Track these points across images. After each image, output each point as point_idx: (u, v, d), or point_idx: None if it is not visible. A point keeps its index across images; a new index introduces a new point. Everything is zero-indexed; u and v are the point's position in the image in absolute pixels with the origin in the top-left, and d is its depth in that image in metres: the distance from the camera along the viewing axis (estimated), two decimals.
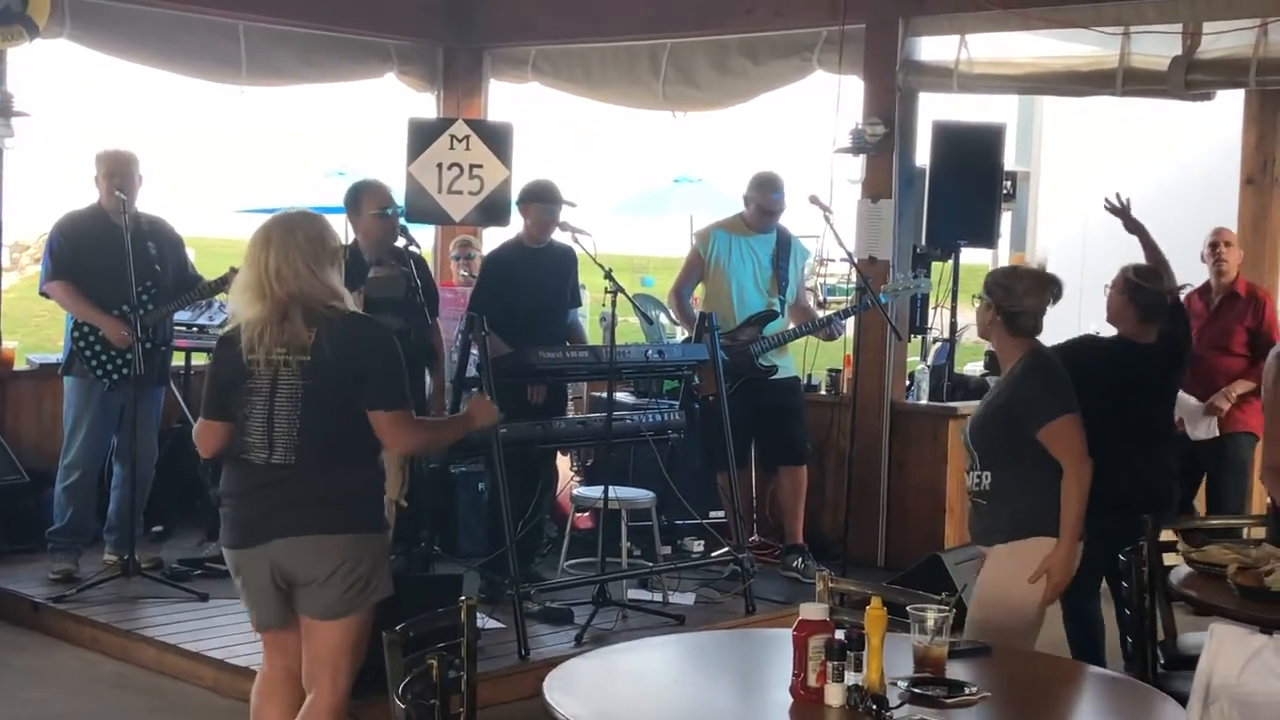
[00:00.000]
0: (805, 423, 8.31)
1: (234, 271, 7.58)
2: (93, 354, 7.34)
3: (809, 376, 8.86)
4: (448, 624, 4.04)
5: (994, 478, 4.97)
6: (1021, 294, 4.98)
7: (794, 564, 8.04)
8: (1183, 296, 7.43)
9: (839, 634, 3.73)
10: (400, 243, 6.84)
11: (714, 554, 7.95)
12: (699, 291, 8.37)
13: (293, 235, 4.42)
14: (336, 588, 4.43)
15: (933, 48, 8.45)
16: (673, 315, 9.21)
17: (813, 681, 3.66)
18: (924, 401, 8.64)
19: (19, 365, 8.48)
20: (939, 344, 9.30)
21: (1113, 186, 7.62)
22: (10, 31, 7.89)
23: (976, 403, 6.03)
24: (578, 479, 8.50)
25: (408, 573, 6.91)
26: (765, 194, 8.06)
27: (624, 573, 7.44)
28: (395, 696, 3.48)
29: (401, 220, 7.05)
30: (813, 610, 3.75)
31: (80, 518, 7.54)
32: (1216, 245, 7.77)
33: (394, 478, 6.75)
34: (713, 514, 8.23)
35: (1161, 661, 5.34)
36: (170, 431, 8.24)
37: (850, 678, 3.65)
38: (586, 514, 8.03)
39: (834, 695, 3.63)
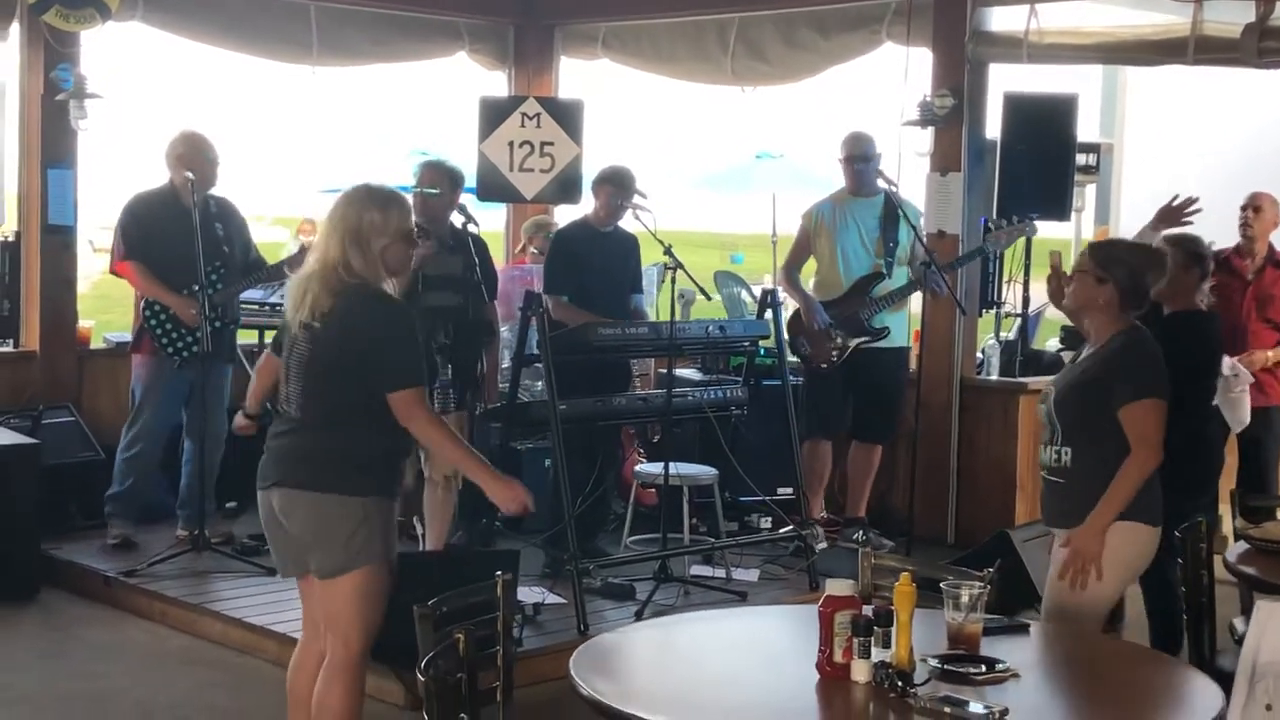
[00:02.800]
0: (900, 401, 8.22)
1: (302, 251, 7.73)
2: (163, 331, 7.46)
3: None
4: (482, 599, 4.06)
5: (1075, 454, 4.80)
6: (1144, 270, 4.88)
7: (854, 536, 8.03)
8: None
9: (867, 609, 3.71)
10: (459, 221, 6.86)
11: (781, 530, 7.92)
12: (810, 267, 8.30)
13: (341, 210, 4.62)
14: (320, 545, 4.58)
15: (1002, 18, 8.33)
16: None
17: (839, 657, 3.64)
18: (994, 377, 8.54)
19: (95, 344, 8.64)
20: (1017, 319, 9.15)
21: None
22: (83, 15, 8.02)
23: (1048, 378, 5.96)
24: (642, 455, 8.50)
25: (468, 548, 6.97)
26: (852, 143, 8.01)
27: (685, 548, 7.44)
28: (419, 670, 3.50)
29: (462, 200, 7.06)
30: (839, 586, 3.73)
31: (139, 486, 7.70)
32: (1246, 208, 7.58)
33: None
34: (780, 490, 8.20)
35: (1237, 638, 5.25)
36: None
37: (879, 654, 3.63)
38: (653, 490, 8.03)
39: (860, 671, 3.61)
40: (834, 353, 7.91)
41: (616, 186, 7.48)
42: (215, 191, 7.62)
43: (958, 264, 7.98)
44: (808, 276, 8.33)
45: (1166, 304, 5.97)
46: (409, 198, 4.81)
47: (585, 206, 7.96)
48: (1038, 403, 5.07)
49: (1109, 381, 4.77)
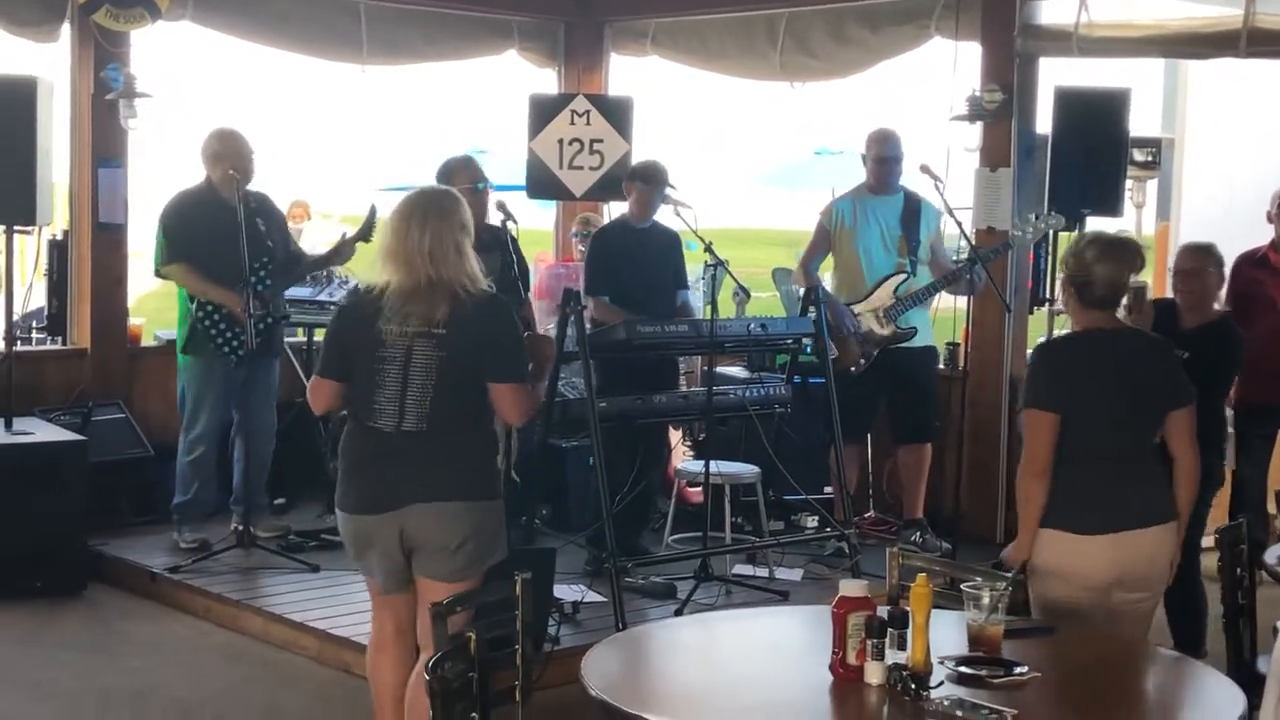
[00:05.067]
0: (935, 397, 8.14)
1: (345, 240, 7.76)
2: (218, 332, 7.47)
3: None
4: (501, 597, 4.03)
5: None
6: (1090, 261, 4.72)
7: (912, 538, 7.92)
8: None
9: (882, 611, 3.67)
10: (498, 219, 6.85)
11: (827, 530, 7.86)
12: (828, 265, 8.26)
13: (448, 219, 4.61)
14: (462, 553, 4.60)
15: (1052, 11, 8.21)
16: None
17: (852, 659, 3.60)
18: None
19: (146, 341, 8.71)
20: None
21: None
22: (133, 14, 8.09)
23: None
24: (689, 453, 8.47)
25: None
26: (879, 146, 7.95)
27: (727, 547, 7.40)
28: (425, 670, 3.48)
29: (503, 197, 7.06)
30: (853, 587, 3.68)
31: (205, 490, 7.72)
32: None
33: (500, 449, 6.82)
34: (827, 489, 8.14)
35: None
36: (294, 405, 8.41)
37: (894, 656, 3.58)
38: (698, 489, 8.00)
39: (874, 673, 3.57)
40: (861, 358, 7.84)
41: (645, 181, 7.46)
42: (252, 187, 7.63)
43: (983, 259, 7.77)
44: (825, 273, 8.27)
45: (1192, 313, 5.87)
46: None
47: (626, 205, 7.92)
48: None
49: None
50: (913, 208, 7.96)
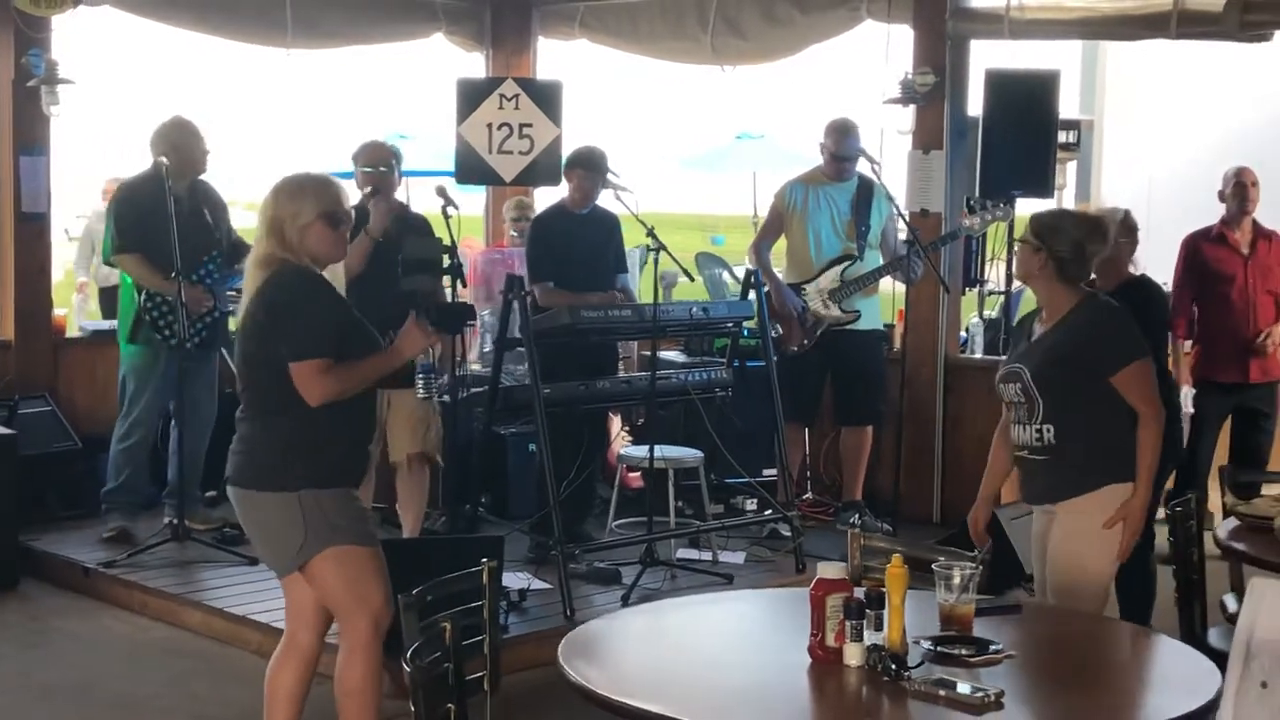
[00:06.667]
0: (881, 381, 8.16)
1: None
2: (165, 322, 7.33)
3: None
4: (468, 587, 4.00)
5: (1059, 429, 4.75)
6: (1075, 237, 4.78)
7: (850, 519, 7.95)
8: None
9: (859, 592, 3.66)
10: (438, 204, 6.79)
11: (766, 512, 7.87)
12: (780, 245, 8.26)
13: (261, 206, 4.58)
14: (265, 544, 4.64)
15: None
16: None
17: (831, 641, 3.59)
18: (978, 355, 8.50)
19: (71, 333, 8.54)
20: (1006, 295, 9.10)
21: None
22: None
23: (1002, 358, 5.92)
24: (629, 438, 8.44)
25: (450, 535, 6.91)
26: (838, 140, 7.94)
27: (671, 532, 7.39)
28: (404, 661, 3.44)
29: (442, 182, 7.00)
30: (830, 569, 3.68)
31: (135, 478, 7.62)
32: (1244, 184, 7.48)
33: (410, 433, 6.74)
34: (766, 472, 8.15)
35: (1228, 615, 5.22)
36: (228, 397, 8.27)
37: (871, 637, 3.58)
38: (639, 474, 7.98)
39: (853, 655, 3.56)
40: (804, 338, 7.87)
41: (587, 169, 7.42)
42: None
43: (932, 247, 7.89)
44: (779, 256, 8.29)
45: (1102, 278, 5.92)
46: (332, 180, 4.70)
47: (562, 190, 7.88)
48: (997, 383, 4.96)
49: (1088, 353, 4.75)
50: (865, 194, 7.97)
